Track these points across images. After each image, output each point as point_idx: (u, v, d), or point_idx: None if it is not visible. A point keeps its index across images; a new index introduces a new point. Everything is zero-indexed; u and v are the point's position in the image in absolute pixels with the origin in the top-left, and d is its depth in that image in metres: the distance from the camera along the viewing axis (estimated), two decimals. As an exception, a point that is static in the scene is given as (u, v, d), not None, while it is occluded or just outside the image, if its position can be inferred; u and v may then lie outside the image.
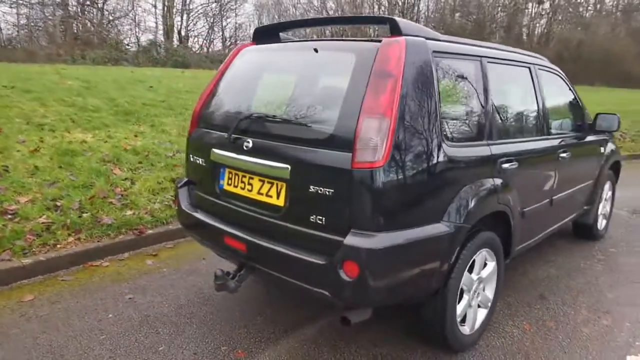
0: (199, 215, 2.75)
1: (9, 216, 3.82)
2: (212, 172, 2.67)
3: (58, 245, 3.64)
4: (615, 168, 4.61)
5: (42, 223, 3.81)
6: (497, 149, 2.63)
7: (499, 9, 32.16)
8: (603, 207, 4.51)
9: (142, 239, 4.02)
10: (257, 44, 2.90)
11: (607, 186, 4.49)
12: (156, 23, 31.71)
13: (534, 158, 3.10)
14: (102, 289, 3.25)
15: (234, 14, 35.78)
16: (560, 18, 32.65)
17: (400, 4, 32.16)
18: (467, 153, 2.42)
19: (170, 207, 4.48)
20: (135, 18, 27.72)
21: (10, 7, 21.98)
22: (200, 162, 2.77)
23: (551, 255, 4.12)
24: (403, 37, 2.17)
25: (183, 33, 28.86)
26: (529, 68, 3.21)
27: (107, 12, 25.73)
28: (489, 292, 2.75)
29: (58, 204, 4.13)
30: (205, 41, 30.99)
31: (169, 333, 2.74)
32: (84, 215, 4.04)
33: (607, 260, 4.08)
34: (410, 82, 2.12)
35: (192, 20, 29.79)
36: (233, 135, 2.49)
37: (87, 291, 3.22)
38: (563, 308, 3.19)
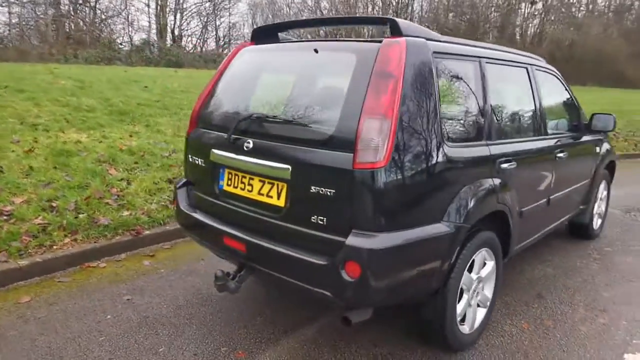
0: (198, 216, 2.74)
1: (5, 217, 3.79)
2: (212, 172, 2.66)
3: (54, 246, 3.62)
4: (611, 168, 4.65)
5: (38, 224, 3.78)
6: (496, 149, 2.64)
7: (493, 9, 32.32)
8: (598, 207, 4.55)
9: (139, 239, 4.00)
10: (256, 43, 2.89)
11: (602, 186, 4.53)
12: (149, 22, 31.56)
13: (532, 158, 3.12)
14: (100, 290, 3.23)
15: (227, 13, 35.82)
16: (552, 18, 32.86)
17: (394, 3, 32.23)
18: (466, 153, 2.43)
19: (167, 208, 4.46)
20: (128, 17, 27.60)
21: (2, 6, 21.78)
22: (200, 163, 2.76)
23: (547, 254, 4.15)
24: (404, 38, 2.17)
25: (176, 32, 28.78)
26: (527, 68, 3.23)
27: (99, 11, 25.61)
28: (488, 292, 2.77)
29: (54, 204, 4.10)
30: (198, 40, 30.91)
31: (169, 334, 2.73)
32: (80, 216, 4.02)
33: (602, 259, 4.11)
34: (411, 82, 2.12)
35: (186, 19, 29.70)
36: (233, 136, 2.48)
37: (85, 292, 3.20)
38: (560, 307, 3.22)
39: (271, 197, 2.33)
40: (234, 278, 2.47)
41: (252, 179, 2.42)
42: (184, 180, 2.96)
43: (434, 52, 2.30)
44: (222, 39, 31.90)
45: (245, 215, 2.45)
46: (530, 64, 3.30)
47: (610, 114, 3.92)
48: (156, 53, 22.68)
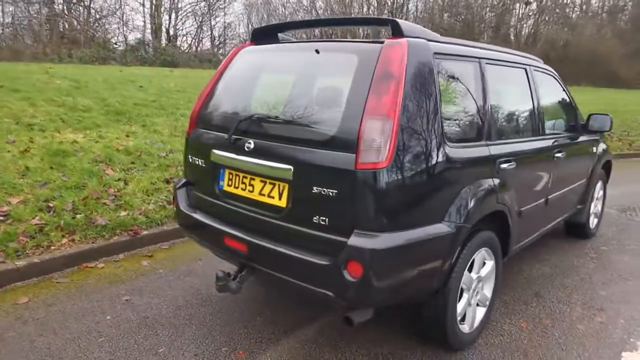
0: (198, 216, 2.74)
1: (1, 218, 3.76)
2: (212, 173, 2.65)
3: (52, 247, 3.60)
4: (607, 167, 4.69)
5: (35, 224, 3.76)
6: (496, 149, 2.66)
7: (487, 9, 32.42)
8: (595, 206, 4.58)
9: (137, 240, 3.98)
10: (255, 44, 2.89)
11: (598, 185, 4.56)
12: (144, 22, 31.38)
13: (531, 158, 3.14)
14: (99, 291, 3.22)
15: (222, 13, 35.66)
16: (547, 19, 33.02)
17: (389, 3, 32.26)
18: (467, 154, 2.44)
19: (164, 208, 4.45)
20: (122, 16, 27.40)
21: (-5, 5, 21.62)
22: (200, 163, 2.75)
23: (545, 254, 4.17)
24: (405, 39, 2.18)
25: (171, 32, 28.60)
26: (525, 69, 3.24)
27: (94, 11, 25.42)
28: (488, 291, 2.78)
29: (51, 205, 4.08)
30: (193, 40, 30.77)
31: (169, 335, 2.73)
32: (78, 216, 4.00)
33: (599, 258, 4.14)
34: (413, 83, 2.13)
35: (181, 19, 29.53)
36: (234, 136, 2.48)
37: (83, 293, 3.18)
38: (558, 305, 3.24)
39: (272, 197, 2.33)
40: (235, 278, 2.46)
41: (253, 179, 2.42)
42: (184, 180, 2.96)
43: (435, 53, 2.31)
44: (217, 38, 31.82)
45: (246, 216, 2.45)
46: (529, 65, 3.32)
47: (607, 115, 3.94)
48: (151, 53, 22.59)
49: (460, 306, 2.54)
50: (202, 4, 29.56)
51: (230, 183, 2.56)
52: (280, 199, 2.30)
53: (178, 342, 2.65)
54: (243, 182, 2.48)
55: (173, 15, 28.66)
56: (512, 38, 32.05)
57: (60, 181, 4.51)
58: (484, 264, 2.71)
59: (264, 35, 2.87)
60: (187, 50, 27.35)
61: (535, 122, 3.24)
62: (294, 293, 2.95)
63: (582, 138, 3.97)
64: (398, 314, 2.91)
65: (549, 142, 3.35)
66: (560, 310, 3.17)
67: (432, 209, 2.24)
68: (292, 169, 2.21)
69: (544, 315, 3.10)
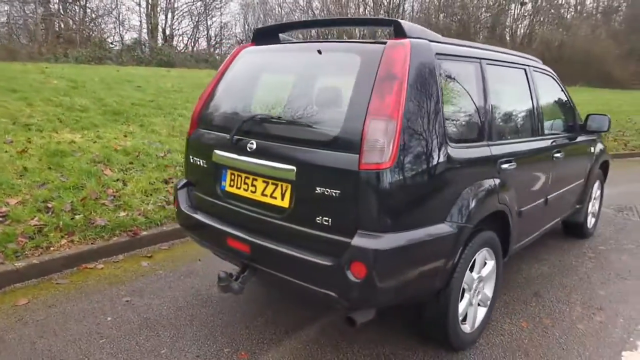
0: (199, 217, 2.73)
1: (0, 218, 3.75)
2: (214, 173, 2.65)
3: (51, 248, 3.58)
4: (604, 167, 4.72)
5: (34, 225, 3.75)
6: (497, 149, 2.67)
7: (483, 9, 32.50)
8: (592, 206, 4.61)
9: (137, 240, 3.97)
10: (256, 44, 2.89)
11: (596, 185, 4.59)
12: (140, 21, 31.39)
13: (531, 158, 3.16)
14: (99, 292, 3.21)
15: (219, 13, 35.68)
16: (542, 19, 33.15)
17: (385, 4, 32.27)
18: (469, 154, 2.45)
19: (163, 208, 4.44)
20: (118, 16, 27.39)
21: (-10, 4, 21.48)
22: (201, 164, 2.75)
23: (544, 253, 4.19)
24: (408, 40, 2.18)
25: (168, 32, 28.51)
26: (525, 69, 3.26)
27: (89, 10, 25.31)
28: (489, 291, 2.79)
29: (49, 205, 4.06)
30: (190, 40, 30.69)
31: (170, 336, 2.72)
32: (77, 217, 3.98)
33: (597, 258, 4.16)
34: (415, 84, 2.13)
35: (177, 19, 29.44)
36: (236, 137, 2.48)
37: (83, 294, 3.17)
38: (558, 305, 3.25)
39: (275, 198, 2.33)
40: (237, 279, 2.46)
41: (256, 179, 2.42)
42: (185, 181, 2.95)
43: (437, 54, 2.32)
44: (213, 38, 31.75)
45: (248, 216, 2.44)
46: (528, 65, 3.33)
47: (605, 115, 3.97)
48: (147, 53, 22.49)
49: (461, 306, 2.54)
50: (199, 3, 29.48)
51: (232, 183, 2.56)
52: (282, 199, 2.30)
53: (180, 343, 2.65)
54: (245, 183, 2.48)
55: (169, 15, 28.59)
56: (508, 38, 32.15)
57: (59, 181, 4.49)
58: (485, 263, 2.72)
59: (265, 35, 2.87)
60: (183, 50, 27.28)
61: (535, 122, 3.26)
62: (295, 293, 2.95)
63: (580, 138, 3.99)
64: (399, 314, 2.92)
65: (548, 142, 3.37)
66: (560, 310, 3.18)
67: (434, 209, 2.25)
68: (295, 170, 2.21)
69: (543, 314, 3.11)
